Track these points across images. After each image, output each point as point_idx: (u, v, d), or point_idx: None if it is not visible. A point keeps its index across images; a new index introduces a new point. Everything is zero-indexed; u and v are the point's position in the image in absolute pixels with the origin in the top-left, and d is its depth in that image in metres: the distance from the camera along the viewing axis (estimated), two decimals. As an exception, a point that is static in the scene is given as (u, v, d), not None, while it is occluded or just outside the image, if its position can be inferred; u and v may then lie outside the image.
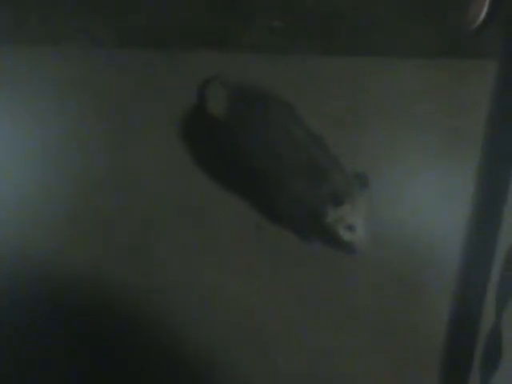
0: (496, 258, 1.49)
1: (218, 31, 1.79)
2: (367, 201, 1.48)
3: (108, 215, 1.64)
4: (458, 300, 1.47)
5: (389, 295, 1.60)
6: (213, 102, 1.69)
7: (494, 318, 1.43)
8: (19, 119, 1.73)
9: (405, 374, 1.54)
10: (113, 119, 1.72)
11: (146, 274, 1.60)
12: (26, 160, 1.69)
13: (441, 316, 1.53)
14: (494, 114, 1.54)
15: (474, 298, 1.33)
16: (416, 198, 1.65)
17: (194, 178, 1.66)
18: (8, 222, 1.64)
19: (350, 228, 1.47)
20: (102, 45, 1.79)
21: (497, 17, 1.53)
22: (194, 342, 1.57)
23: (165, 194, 1.66)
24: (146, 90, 1.74)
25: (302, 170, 1.51)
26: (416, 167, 1.67)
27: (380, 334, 1.57)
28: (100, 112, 1.72)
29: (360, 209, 1.49)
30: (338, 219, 1.47)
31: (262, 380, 1.55)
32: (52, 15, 1.79)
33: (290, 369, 1.56)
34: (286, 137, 1.54)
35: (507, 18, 1.60)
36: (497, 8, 1.51)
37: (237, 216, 1.63)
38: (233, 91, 1.63)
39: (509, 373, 1.37)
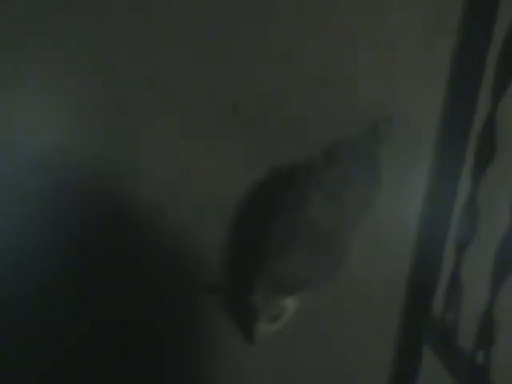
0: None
1: None
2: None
3: (82, 99, 1.62)
4: (421, 235, 1.44)
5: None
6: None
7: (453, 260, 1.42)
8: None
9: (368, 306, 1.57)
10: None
11: (121, 158, 1.61)
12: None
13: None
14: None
15: (437, 234, 1.31)
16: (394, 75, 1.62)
17: (169, 62, 1.64)
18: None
19: (272, 319, 1.41)
20: None
21: None
22: (171, 217, 1.59)
23: (139, 78, 1.63)
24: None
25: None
26: (394, 44, 1.65)
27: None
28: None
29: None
30: (270, 304, 1.40)
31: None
32: None
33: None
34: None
35: None
36: None
37: (212, 96, 1.61)
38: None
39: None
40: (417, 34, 1.66)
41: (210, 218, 1.59)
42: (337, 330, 1.60)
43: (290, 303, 1.43)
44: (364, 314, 1.59)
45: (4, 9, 1.62)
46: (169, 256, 1.59)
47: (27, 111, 1.62)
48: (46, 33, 1.63)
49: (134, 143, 1.61)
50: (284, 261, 1.42)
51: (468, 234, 1.23)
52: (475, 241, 1.23)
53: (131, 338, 1.56)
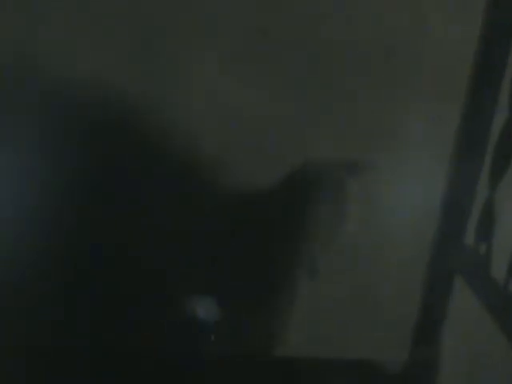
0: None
1: None
2: None
3: (106, 19, 1.52)
4: (455, 167, 1.42)
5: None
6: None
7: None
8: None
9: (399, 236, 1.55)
10: None
11: (145, 81, 1.54)
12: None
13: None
14: None
15: (471, 165, 1.29)
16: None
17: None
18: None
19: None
20: None
21: None
22: (195, 145, 1.56)
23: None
24: None
25: None
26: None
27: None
28: None
29: None
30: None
31: (260, 176, 1.57)
32: None
33: (286, 165, 1.57)
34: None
35: None
36: None
37: (239, 19, 1.53)
38: None
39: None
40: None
41: (241, 150, 1.57)
42: (364, 261, 1.59)
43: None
44: (394, 245, 1.58)
45: None
46: (201, 186, 1.59)
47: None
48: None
49: (159, 66, 1.57)
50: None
51: (502, 163, 1.22)
52: (510, 170, 1.21)
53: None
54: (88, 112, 1.54)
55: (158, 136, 1.57)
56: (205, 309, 1.53)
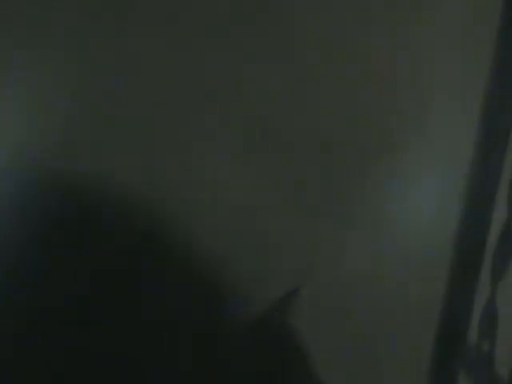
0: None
1: None
2: None
3: (118, 121, 1.49)
4: (456, 261, 1.38)
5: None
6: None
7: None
8: None
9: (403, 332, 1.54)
10: None
11: (145, 172, 1.52)
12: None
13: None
14: None
15: (472, 260, 1.24)
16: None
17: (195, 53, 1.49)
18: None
19: None
20: None
21: None
22: (196, 238, 1.55)
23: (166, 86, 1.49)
24: None
25: None
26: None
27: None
28: None
29: None
30: None
31: (263, 277, 1.57)
32: None
33: (290, 265, 1.56)
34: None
35: None
36: None
37: (240, 112, 1.51)
38: None
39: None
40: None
41: (237, 241, 1.56)
42: (373, 355, 1.59)
43: None
44: (399, 341, 1.55)
45: None
46: (193, 277, 1.58)
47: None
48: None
49: (159, 156, 1.52)
50: None
51: (504, 261, 1.17)
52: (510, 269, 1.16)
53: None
54: (91, 204, 1.52)
55: (163, 230, 1.55)
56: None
